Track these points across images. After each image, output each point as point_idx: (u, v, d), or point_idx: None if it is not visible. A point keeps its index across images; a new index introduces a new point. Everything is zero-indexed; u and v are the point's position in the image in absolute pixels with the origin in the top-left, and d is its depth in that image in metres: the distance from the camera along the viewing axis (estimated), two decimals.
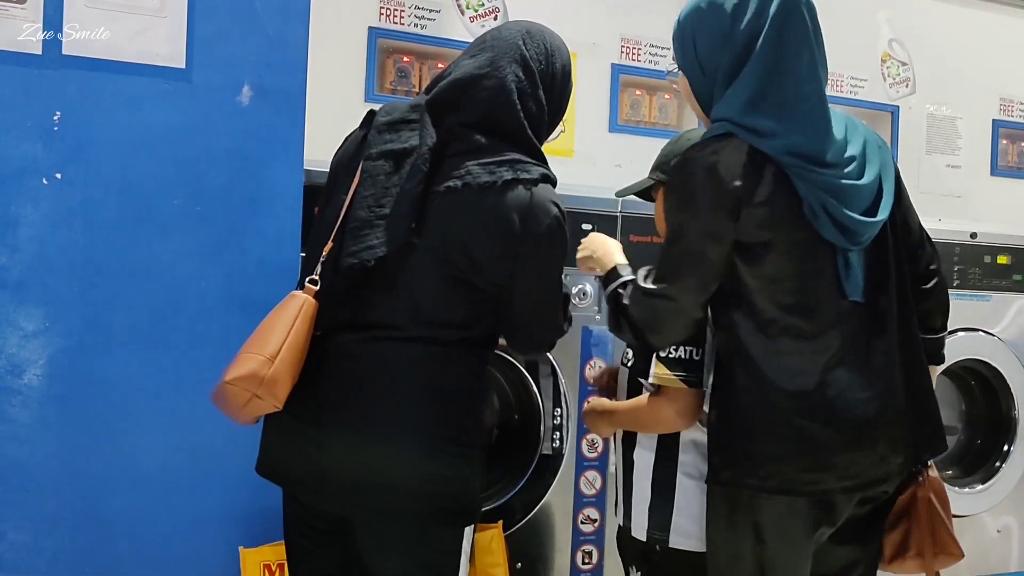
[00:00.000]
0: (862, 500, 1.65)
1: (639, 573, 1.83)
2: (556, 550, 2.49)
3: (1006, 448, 3.09)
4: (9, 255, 1.85)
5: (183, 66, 1.95)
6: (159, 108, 1.93)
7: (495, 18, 2.96)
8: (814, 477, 1.58)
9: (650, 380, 1.70)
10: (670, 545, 1.75)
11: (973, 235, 3.04)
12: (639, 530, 1.79)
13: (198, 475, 1.98)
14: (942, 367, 1.89)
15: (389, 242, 1.55)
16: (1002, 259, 3.08)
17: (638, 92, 3.23)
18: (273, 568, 2.00)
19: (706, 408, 1.69)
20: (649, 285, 1.61)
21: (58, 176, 1.87)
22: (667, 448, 1.76)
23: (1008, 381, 3.05)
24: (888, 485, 1.66)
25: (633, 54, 3.22)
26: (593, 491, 2.52)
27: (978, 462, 3.12)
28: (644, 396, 1.75)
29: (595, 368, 2.42)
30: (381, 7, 2.86)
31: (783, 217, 1.54)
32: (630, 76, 3.20)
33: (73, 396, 1.90)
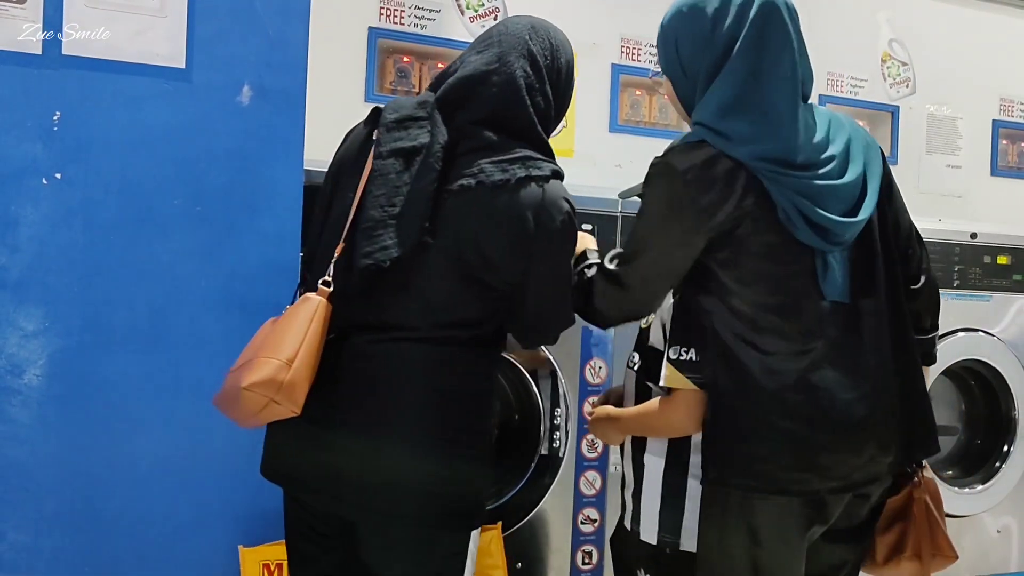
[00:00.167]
0: (856, 496, 1.64)
1: None
2: (556, 550, 2.48)
3: (1006, 448, 3.09)
4: (9, 255, 1.85)
5: (183, 66, 1.95)
6: (159, 108, 1.93)
7: (495, 18, 2.96)
8: (801, 477, 1.57)
9: (661, 383, 1.69)
10: (681, 548, 1.73)
11: (973, 235, 3.03)
12: (649, 533, 1.77)
13: (198, 474, 1.98)
14: (934, 367, 1.88)
15: (403, 242, 1.53)
16: (1002, 259, 3.07)
17: (638, 92, 3.24)
18: (272, 567, 2.01)
19: None
20: (612, 267, 1.65)
21: (58, 176, 1.87)
22: (677, 451, 1.75)
23: (1008, 381, 3.04)
24: (879, 485, 1.66)
25: (633, 54, 3.22)
26: (593, 491, 2.51)
27: (978, 462, 3.12)
28: (654, 401, 1.73)
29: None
30: (381, 7, 2.86)
31: (756, 223, 1.54)
32: (630, 76, 3.21)
33: (73, 396, 1.90)
